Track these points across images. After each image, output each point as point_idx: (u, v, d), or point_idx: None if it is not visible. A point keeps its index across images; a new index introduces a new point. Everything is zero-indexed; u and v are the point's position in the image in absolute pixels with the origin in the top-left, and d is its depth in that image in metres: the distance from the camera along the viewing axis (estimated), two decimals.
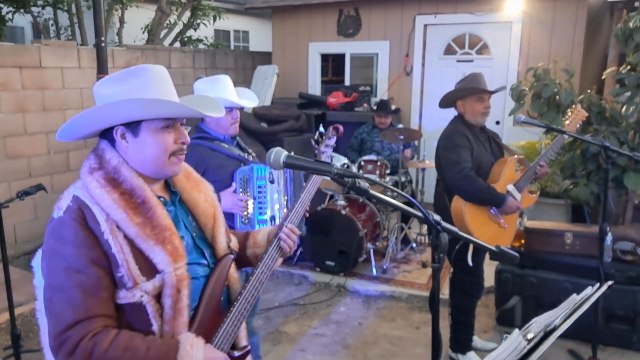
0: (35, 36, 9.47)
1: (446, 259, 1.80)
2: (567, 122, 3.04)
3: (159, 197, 1.37)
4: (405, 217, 5.05)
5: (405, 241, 5.12)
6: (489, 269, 3.57)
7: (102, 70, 3.73)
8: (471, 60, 6.35)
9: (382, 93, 6.84)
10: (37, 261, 1.33)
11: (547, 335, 1.29)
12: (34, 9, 7.34)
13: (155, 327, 1.27)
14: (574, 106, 3.13)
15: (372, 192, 1.33)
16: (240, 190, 2.50)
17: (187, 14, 8.19)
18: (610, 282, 1.90)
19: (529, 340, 1.24)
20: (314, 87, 7.34)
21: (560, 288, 3.41)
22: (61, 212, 1.27)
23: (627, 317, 3.32)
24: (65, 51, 5.46)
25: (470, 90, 3.00)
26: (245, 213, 2.50)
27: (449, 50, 6.50)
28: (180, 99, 1.42)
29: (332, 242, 4.52)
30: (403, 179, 4.97)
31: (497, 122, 6.15)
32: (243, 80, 7.74)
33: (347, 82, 7.18)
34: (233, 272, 1.51)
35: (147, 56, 6.39)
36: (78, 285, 1.21)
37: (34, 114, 5.22)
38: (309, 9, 7.14)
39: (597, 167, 3.94)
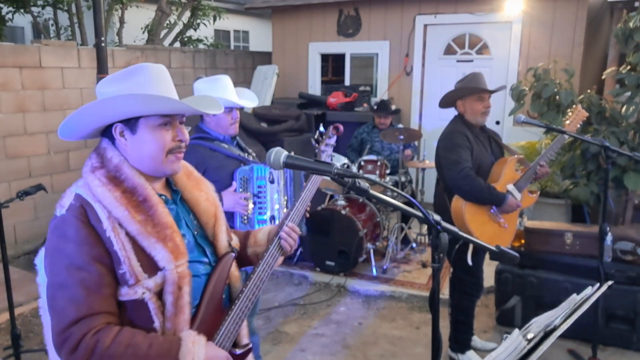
0: (35, 36, 9.48)
1: (446, 259, 1.80)
2: (567, 122, 3.04)
3: (160, 196, 1.38)
4: (405, 217, 5.05)
5: (405, 241, 5.12)
6: (489, 269, 3.58)
7: (102, 70, 3.74)
8: (471, 60, 6.35)
9: (382, 93, 6.84)
10: (40, 259, 1.34)
11: (547, 335, 1.29)
12: (34, 9, 7.34)
13: (157, 324, 1.28)
14: (574, 106, 3.14)
15: (372, 192, 1.33)
16: (241, 190, 2.50)
17: (187, 14, 8.19)
18: (610, 282, 1.90)
19: (529, 340, 1.24)
20: (314, 87, 7.34)
21: (560, 288, 3.41)
22: (64, 210, 1.28)
23: (627, 317, 3.32)
24: (65, 51, 5.46)
25: (470, 89, 3.00)
26: (248, 212, 2.50)
27: (449, 50, 6.50)
28: (182, 100, 1.42)
29: (332, 242, 4.52)
30: (403, 179, 4.97)
31: (497, 122, 6.15)
32: (243, 80, 7.75)
33: (347, 82, 7.19)
34: (234, 270, 1.52)
35: (147, 56, 6.39)
36: (80, 283, 1.22)
37: (34, 114, 5.22)
38: (309, 9, 7.14)
39: (597, 167, 3.94)
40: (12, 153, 5.08)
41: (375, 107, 5.23)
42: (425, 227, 5.23)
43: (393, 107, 5.28)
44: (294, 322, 3.84)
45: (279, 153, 1.34)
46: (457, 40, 6.43)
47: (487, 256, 3.36)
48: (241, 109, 2.61)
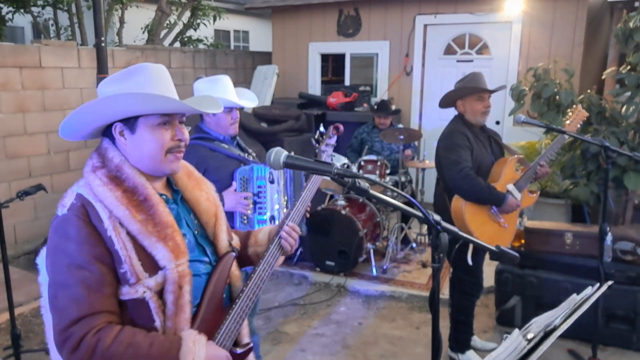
0: (35, 36, 9.47)
1: (446, 259, 1.80)
2: (567, 122, 3.05)
3: (161, 195, 1.38)
4: (405, 217, 5.05)
5: (405, 241, 5.12)
6: (489, 269, 3.58)
7: (102, 70, 3.74)
8: (471, 60, 6.35)
9: (382, 93, 6.84)
10: (41, 258, 1.35)
11: (547, 335, 1.29)
12: (34, 9, 7.34)
13: (157, 323, 1.29)
14: (574, 106, 3.14)
15: (372, 192, 1.33)
16: (241, 190, 2.50)
17: (187, 14, 8.19)
18: (610, 282, 1.90)
19: (529, 340, 1.24)
20: (314, 87, 7.34)
21: (560, 288, 3.41)
22: (65, 210, 1.29)
23: (627, 317, 3.32)
24: (65, 51, 5.46)
25: (470, 89, 3.00)
26: (249, 211, 2.50)
27: (449, 50, 6.50)
28: (183, 101, 1.43)
29: (332, 242, 4.52)
30: (403, 179, 4.97)
31: (497, 122, 6.15)
32: (243, 80, 7.75)
33: (347, 82, 7.18)
34: (235, 269, 1.52)
35: (147, 56, 6.39)
36: (82, 282, 1.23)
37: (34, 114, 5.22)
38: (309, 9, 7.14)
39: (597, 167, 3.94)
40: (12, 153, 5.08)
41: (376, 107, 5.23)
42: (425, 227, 5.23)
43: (393, 107, 5.28)
44: (294, 322, 3.84)
45: (279, 153, 1.34)
46: (457, 40, 6.43)
47: (487, 256, 3.36)
48: (241, 109, 2.61)
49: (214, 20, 8.39)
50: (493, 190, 2.90)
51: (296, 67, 7.38)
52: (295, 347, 3.49)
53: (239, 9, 10.28)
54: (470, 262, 3.00)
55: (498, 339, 3.53)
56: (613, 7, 5.55)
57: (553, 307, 1.40)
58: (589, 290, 1.49)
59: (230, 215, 2.46)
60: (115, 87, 1.33)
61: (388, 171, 4.87)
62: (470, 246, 2.98)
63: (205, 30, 8.85)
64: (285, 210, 2.59)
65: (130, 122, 1.33)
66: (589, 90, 4.17)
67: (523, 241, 3.63)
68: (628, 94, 3.84)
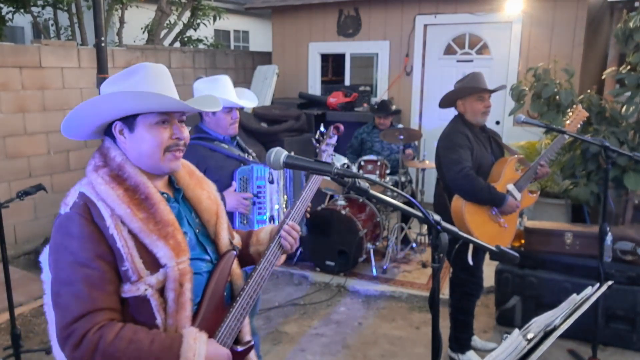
0: (35, 36, 9.47)
1: (446, 259, 1.80)
2: (567, 122, 3.05)
3: (162, 194, 1.39)
4: (405, 217, 5.05)
5: (405, 241, 5.12)
6: (489, 269, 3.58)
7: (102, 70, 3.73)
8: (471, 60, 6.35)
9: (382, 93, 6.84)
10: (44, 256, 1.36)
11: (547, 335, 1.29)
12: (34, 9, 7.33)
13: (159, 320, 1.30)
14: (574, 106, 3.14)
15: (372, 192, 1.34)
16: (240, 190, 2.50)
17: (187, 14, 8.19)
18: (610, 282, 1.90)
19: (529, 340, 1.24)
20: (314, 87, 7.34)
21: (560, 288, 3.41)
22: (68, 208, 1.30)
23: (627, 317, 3.32)
24: (65, 51, 5.46)
25: (470, 89, 3.00)
26: (248, 211, 2.50)
27: (449, 50, 6.50)
28: (189, 102, 1.44)
29: (332, 242, 4.52)
30: (403, 179, 4.97)
31: (497, 122, 6.15)
32: (243, 80, 7.75)
33: (347, 82, 7.19)
34: (236, 268, 1.53)
35: (147, 56, 6.39)
36: (84, 279, 1.24)
37: (34, 114, 5.22)
38: (309, 9, 7.14)
39: (597, 167, 3.94)
40: (12, 153, 5.08)
41: (376, 108, 5.23)
42: (425, 227, 5.23)
43: (393, 108, 5.28)
44: (294, 322, 3.84)
45: (279, 153, 1.34)
46: (457, 40, 6.43)
47: (487, 256, 3.36)
48: (241, 109, 2.61)
49: (214, 20, 8.39)
50: (493, 191, 2.90)
51: (296, 67, 7.39)
52: (295, 347, 3.49)
53: (239, 9, 10.28)
54: (470, 262, 3.00)
55: (498, 339, 3.53)
56: (613, 7, 5.55)
57: (553, 307, 1.40)
58: (589, 290, 1.49)
59: (229, 216, 2.45)
60: (115, 86, 1.35)
61: (388, 171, 4.87)
62: (471, 246, 2.98)
63: (205, 30, 8.85)
64: (285, 210, 2.59)
65: (129, 121, 1.35)
66: (589, 90, 4.17)
67: (523, 241, 3.63)
68: (628, 94, 3.85)
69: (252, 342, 1.51)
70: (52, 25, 8.13)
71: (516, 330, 1.26)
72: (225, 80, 2.54)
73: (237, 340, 1.46)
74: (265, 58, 8.07)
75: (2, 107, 4.95)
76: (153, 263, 1.29)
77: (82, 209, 1.28)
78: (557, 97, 3.99)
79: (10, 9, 7.28)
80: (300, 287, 4.46)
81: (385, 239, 4.98)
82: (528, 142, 5.38)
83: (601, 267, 2.87)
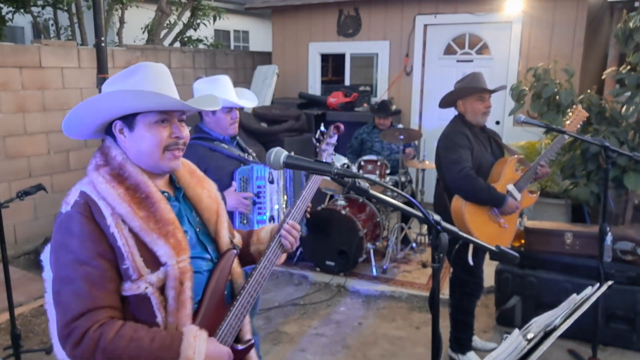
0: (35, 36, 9.47)
1: (446, 259, 1.80)
2: (567, 122, 3.05)
3: (163, 193, 1.40)
4: (405, 217, 5.05)
5: (405, 241, 5.12)
6: (489, 269, 3.58)
7: (102, 70, 3.73)
8: (471, 60, 6.35)
9: (382, 93, 6.84)
10: (45, 255, 1.37)
11: (547, 335, 1.29)
12: (34, 9, 7.33)
13: (159, 318, 1.31)
14: (574, 106, 3.13)
15: (372, 192, 1.34)
16: (240, 190, 2.50)
17: (187, 14, 8.18)
18: (610, 282, 1.90)
19: (529, 340, 1.24)
20: (314, 87, 7.34)
21: (560, 288, 3.40)
22: (69, 207, 1.31)
23: (627, 317, 3.32)
24: (65, 51, 5.46)
25: (471, 89, 3.00)
26: (249, 211, 2.50)
27: (449, 50, 6.50)
28: (188, 102, 1.44)
29: (332, 242, 4.52)
30: (403, 179, 4.97)
31: (497, 122, 6.15)
32: (243, 80, 7.75)
33: (347, 82, 7.19)
34: (236, 266, 1.54)
35: (147, 56, 6.39)
36: (85, 277, 1.25)
37: (34, 114, 5.22)
38: (309, 9, 7.14)
39: (597, 167, 3.94)
40: (12, 153, 5.08)
41: (376, 108, 5.23)
42: (425, 227, 5.23)
43: (393, 108, 5.28)
44: (294, 322, 3.84)
45: (279, 153, 1.34)
46: (457, 40, 6.43)
47: (487, 256, 3.36)
48: (241, 109, 2.61)
49: (214, 20, 8.39)
50: (493, 191, 2.90)
51: (296, 67, 7.39)
52: (295, 347, 3.49)
53: (239, 9, 10.28)
54: (471, 262, 3.00)
55: (498, 339, 3.53)
56: (613, 7, 5.55)
57: (553, 307, 1.40)
58: (589, 290, 1.49)
59: (230, 215, 2.46)
60: (116, 86, 1.36)
61: (388, 171, 4.87)
62: (471, 246, 2.98)
63: (205, 30, 8.85)
64: (285, 210, 2.59)
65: (129, 120, 1.36)
66: (589, 90, 4.17)
67: (523, 241, 3.63)
68: (628, 94, 3.84)
69: (253, 341, 1.51)
70: (52, 25, 8.13)
71: (516, 330, 1.26)
72: (225, 80, 2.54)
73: (238, 339, 1.47)
74: (265, 58, 8.07)
75: (2, 107, 4.95)
76: (153, 261, 1.30)
77: (83, 208, 1.29)
78: (557, 97, 3.99)
79: (10, 9, 7.28)
80: (300, 287, 4.46)
81: (385, 239, 4.98)
82: (528, 142, 5.38)
83: (601, 267, 2.87)
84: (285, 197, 2.61)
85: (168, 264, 1.30)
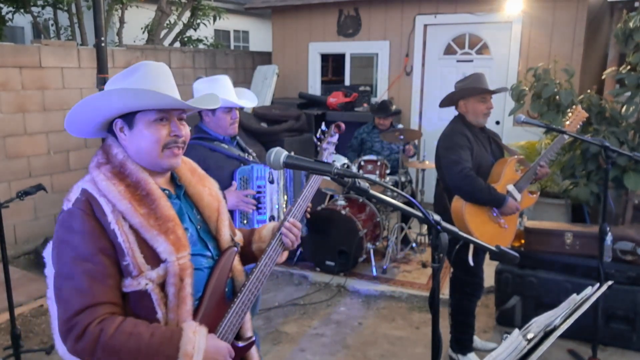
0: (35, 36, 9.47)
1: (446, 259, 1.80)
2: (567, 122, 3.05)
3: (163, 190, 1.41)
4: (405, 217, 5.05)
5: (405, 241, 5.12)
6: (489, 269, 3.57)
7: (102, 70, 3.73)
8: (471, 60, 6.35)
9: (382, 93, 6.84)
10: (47, 251, 1.39)
11: (547, 335, 1.29)
12: (34, 9, 7.33)
13: (159, 314, 1.32)
14: (574, 107, 3.13)
15: (372, 192, 1.34)
16: (241, 190, 2.50)
17: (187, 14, 8.18)
18: (610, 282, 1.90)
19: (529, 340, 1.24)
20: (314, 87, 7.34)
21: (560, 288, 3.40)
22: (70, 204, 1.33)
23: (627, 317, 3.32)
24: (65, 51, 5.46)
25: (473, 90, 2.99)
26: (253, 208, 2.49)
27: (449, 50, 6.50)
28: (188, 102, 1.45)
29: (332, 242, 4.52)
30: (403, 179, 4.97)
31: (497, 122, 6.16)
32: (243, 80, 7.74)
33: (347, 82, 7.19)
34: (237, 264, 1.55)
35: (147, 56, 6.39)
36: (86, 273, 1.26)
37: (34, 114, 5.22)
38: (309, 9, 7.14)
39: (597, 167, 3.94)
40: (12, 153, 5.08)
41: (376, 108, 5.23)
42: (425, 227, 5.23)
43: (393, 108, 5.28)
44: (294, 322, 3.84)
45: (279, 153, 1.34)
46: (457, 40, 6.43)
47: (487, 256, 3.36)
48: (241, 109, 2.61)
49: (214, 20, 8.38)
50: (493, 191, 2.90)
51: (296, 67, 7.39)
52: (295, 347, 3.49)
53: (239, 9, 10.28)
54: (471, 262, 2.99)
55: (498, 339, 3.53)
56: (613, 7, 5.55)
57: (553, 307, 1.40)
58: (589, 290, 1.49)
59: (231, 215, 2.46)
60: (116, 85, 1.38)
61: (388, 171, 4.87)
62: (471, 246, 2.98)
63: (205, 30, 8.85)
64: (285, 210, 2.59)
65: (129, 118, 1.38)
66: (589, 90, 4.17)
67: (523, 241, 3.63)
68: (628, 94, 3.84)
69: (254, 338, 1.52)
70: (52, 25, 8.13)
71: (516, 330, 1.27)
72: (225, 80, 2.54)
73: (239, 336, 1.48)
74: (265, 58, 8.07)
75: (2, 107, 4.94)
76: (154, 258, 1.31)
77: (84, 205, 1.30)
78: (557, 97, 3.99)
79: (10, 9, 7.28)
80: (300, 287, 4.46)
81: (385, 239, 4.98)
82: (528, 142, 5.38)
83: (601, 267, 2.87)
84: (286, 197, 2.62)
85: (168, 261, 1.31)
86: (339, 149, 3.61)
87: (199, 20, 8.29)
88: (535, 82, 4.13)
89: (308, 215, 1.91)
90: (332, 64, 7.58)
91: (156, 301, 1.31)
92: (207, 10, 8.22)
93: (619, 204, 4.29)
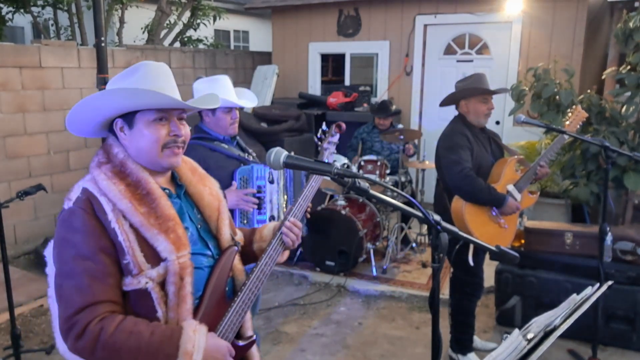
0: (35, 36, 9.47)
1: (446, 259, 1.80)
2: (567, 122, 3.05)
3: (164, 190, 1.42)
4: (405, 217, 5.05)
5: (405, 241, 5.12)
6: (489, 269, 3.57)
7: (102, 70, 3.73)
8: (471, 60, 6.35)
9: (382, 93, 6.84)
10: (49, 250, 1.39)
11: (547, 335, 1.29)
12: (34, 9, 7.33)
13: (160, 313, 1.33)
14: (574, 107, 3.14)
15: (372, 192, 1.34)
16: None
17: (187, 14, 8.18)
18: (610, 282, 1.90)
19: (529, 340, 1.24)
20: (314, 87, 7.34)
21: (560, 288, 3.41)
22: (71, 203, 1.34)
23: (627, 317, 3.32)
24: (65, 51, 5.46)
25: (475, 90, 2.99)
26: (255, 207, 2.49)
27: (449, 50, 6.50)
28: (188, 101, 1.45)
29: (332, 242, 4.52)
30: (403, 179, 4.97)
31: (497, 122, 6.15)
32: (243, 80, 7.74)
33: (347, 82, 7.19)
34: (238, 263, 1.55)
35: (147, 56, 6.39)
36: (86, 272, 1.27)
37: (34, 114, 5.22)
38: (309, 9, 7.14)
39: (597, 167, 3.94)
40: (12, 153, 5.08)
41: (376, 108, 5.23)
42: (425, 227, 5.23)
43: (393, 108, 5.28)
44: (294, 322, 3.84)
45: (279, 153, 1.35)
46: (457, 40, 6.43)
47: (487, 256, 3.36)
48: (241, 109, 2.61)
49: (214, 20, 8.38)
50: (493, 191, 2.90)
51: (296, 67, 7.39)
52: (295, 347, 3.49)
53: (239, 9, 10.28)
54: (471, 262, 2.99)
55: (498, 339, 3.53)
56: (613, 7, 5.55)
57: (553, 307, 1.40)
58: (589, 290, 1.49)
59: (231, 214, 2.46)
60: (117, 85, 1.40)
61: (388, 171, 4.87)
62: (471, 246, 2.98)
63: (205, 30, 8.85)
64: (285, 210, 2.59)
65: (129, 118, 1.39)
66: (589, 90, 4.17)
67: (523, 241, 3.63)
68: (628, 94, 3.84)
69: (254, 337, 1.52)
70: (52, 25, 8.13)
71: (516, 330, 1.27)
72: (225, 80, 2.54)
73: (239, 335, 1.49)
74: (265, 58, 8.07)
75: (2, 107, 4.94)
76: (154, 257, 1.32)
77: (85, 204, 1.31)
78: (557, 97, 3.99)
79: (10, 9, 7.28)
80: (300, 287, 4.46)
81: (385, 239, 4.98)
82: (528, 142, 5.38)
83: (601, 267, 2.87)
84: (286, 197, 2.62)
85: (168, 260, 1.32)
86: (339, 149, 3.61)
87: (199, 20, 8.29)
88: (535, 82, 4.13)
89: (308, 215, 1.91)
90: (332, 64, 7.58)
91: (156, 300, 1.32)
92: (207, 10, 8.22)
93: (619, 204, 4.29)
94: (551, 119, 3.96)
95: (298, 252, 4.70)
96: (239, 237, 1.62)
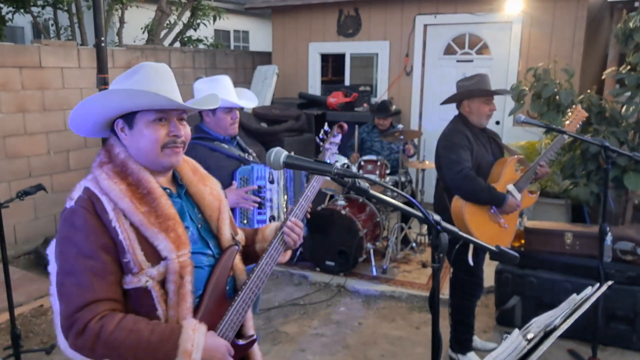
0: (35, 36, 9.47)
1: (446, 259, 1.80)
2: (567, 122, 3.05)
3: (165, 189, 1.43)
4: (405, 217, 5.05)
5: (405, 241, 5.12)
6: (489, 269, 3.58)
7: (102, 70, 3.73)
8: (471, 60, 6.35)
9: (382, 93, 6.84)
10: (50, 248, 1.41)
11: (547, 335, 1.29)
12: (34, 9, 7.33)
13: (160, 311, 1.34)
14: (574, 106, 3.14)
15: (372, 192, 1.34)
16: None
17: (187, 14, 8.18)
18: (610, 282, 1.90)
19: (529, 340, 1.24)
20: (314, 87, 7.34)
21: (560, 288, 3.41)
22: (72, 202, 1.35)
23: (627, 317, 3.32)
24: (65, 51, 5.46)
25: (479, 92, 2.99)
26: (255, 205, 2.49)
27: (449, 50, 6.50)
28: (188, 102, 1.45)
29: (332, 242, 4.52)
30: (403, 179, 4.97)
31: (497, 122, 6.15)
32: (243, 80, 7.74)
33: (347, 82, 7.19)
34: (238, 262, 1.56)
35: (147, 56, 6.39)
36: (87, 270, 1.29)
37: (34, 114, 5.22)
38: (309, 9, 7.14)
39: (597, 167, 3.95)
40: (12, 153, 5.08)
41: (376, 109, 5.23)
42: (425, 227, 5.23)
43: (393, 108, 5.28)
44: (294, 322, 3.84)
45: (279, 153, 1.35)
46: (457, 40, 6.43)
47: (487, 256, 3.36)
48: (241, 109, 2.61)
49: (214, 20, 8.38)
50: (493, 191, 2.90)
51: (296, 67, 7.39)
52: (295, 347, 3.49)
53: (239, 9, 10.28)
54: (471, 262, 2.99)
55: (498, 339, 3.53)
56: (613, 7, 5.55)
57: (553, 307, 1.40)
58: (589, 290, 1.49)
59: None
60: (118, 86, 1.41)
61: (388, 171, 4.87)
62: (471, 246, 2.98)
63: (205, 30, 8.85)
64: (285, 210, 2.59)
65: (129, 118, 1.40)
66: (589, 90, 4.17)
67: (523, 241, 3.63)
68: (628, 94, 3.85)
69: (255, 337, 1.53)
70: (52, 25, 8.13)
71: (516, 330, 1.27)
72: (225, 81, 2.54)
73: (240, 334, 1.49)
74: (265, 58, 8.07)
75: (2, 107, 4.95)
76: (154, 255, 1.33)
77: (86, 203, 1.33)
78: (557, 97, 3.99)
79: (10, 9, 7.28)
80: (300, 287, 4.46)
81: (385, 239, 4.98)
82: (528, 142, 5.38)
83: (601, 267, 2.87)
84: (286, 197, 2.62)
85: (168, 258, 1.33)
86: (339, 149, 3.61)
87: (199, 20, 8.29)
88: (535, 82, 4.13)
89: (308, 216, 1.91)
90: (332, 64, 7.58)
91: (156, 298, 1.33)
92: (207, 10, 8.22)
93: (619, 204, 4.29)
94: (551, 119, 3.96)
95: (298, 252, 4.70)
96: (240, 236, 1.63)
